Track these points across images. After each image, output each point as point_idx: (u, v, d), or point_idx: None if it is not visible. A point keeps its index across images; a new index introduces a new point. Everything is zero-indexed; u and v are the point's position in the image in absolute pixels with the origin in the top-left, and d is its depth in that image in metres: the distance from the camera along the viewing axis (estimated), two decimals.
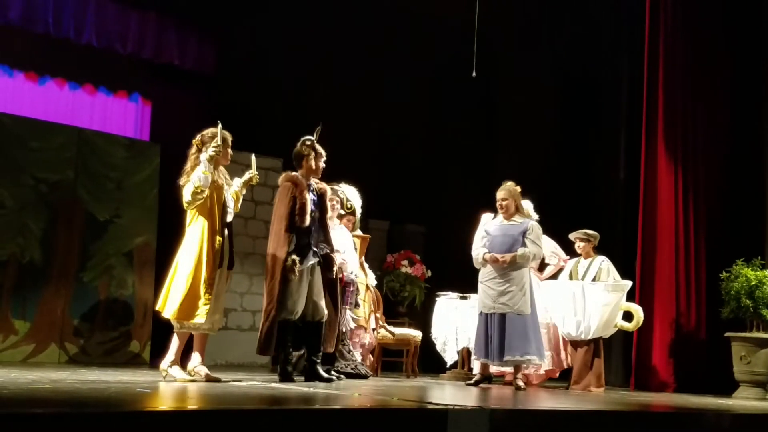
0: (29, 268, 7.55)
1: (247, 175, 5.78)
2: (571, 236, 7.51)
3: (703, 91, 8.18)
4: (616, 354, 8.38)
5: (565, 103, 9.65)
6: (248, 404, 4.05)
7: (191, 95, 8.90)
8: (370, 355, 7.50)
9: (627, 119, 8.73)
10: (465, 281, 7.13)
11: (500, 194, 6.68)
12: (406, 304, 9.43)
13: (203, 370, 5.50)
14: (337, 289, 6.19)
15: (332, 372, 6.16)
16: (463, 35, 7.98)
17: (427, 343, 8.00)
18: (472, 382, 6.71)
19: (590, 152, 9.38)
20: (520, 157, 9.34)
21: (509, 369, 6.82)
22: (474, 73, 7.71)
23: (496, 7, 8.39)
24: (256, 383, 5.55)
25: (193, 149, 5.58)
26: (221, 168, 5.65)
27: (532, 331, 6.47)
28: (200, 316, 5.40)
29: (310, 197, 5.88)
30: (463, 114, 10.14)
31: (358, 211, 7.25)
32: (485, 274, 6.61)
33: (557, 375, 7.58)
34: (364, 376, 6.80)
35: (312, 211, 5.87)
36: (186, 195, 5.46)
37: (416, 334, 7.96)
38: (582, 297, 7.09)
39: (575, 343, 7.25)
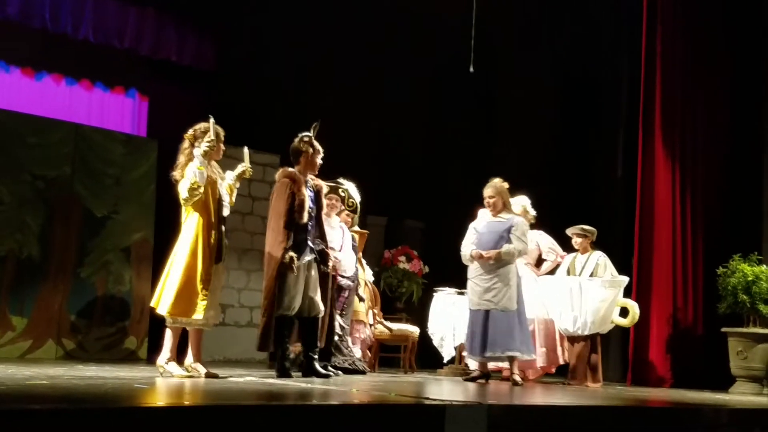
0: (27, 265, 7.54)
1: (240, 168, 5.78)
2: (569, 232, 7.53)
3: (702, 90, 8.18)
4: (614, 349, 8.39)
5: (565, 101, 9.65)
6: (245, 400, 4.05)
7: (188, 91, 8.88)
8: (368, 351, 7.51)
9: (626, 117, 8.72)
10: (463, 277, 7.12)
11: (487, 192, 6.71)
12: (403, 299, 9.43)
13: (200, 367, 5.50)
14: (328, 284, 6.21)
15: (329, 368, 6.17)
16: (464, 33, 7.97)
17: (425, 338, 8.01)
18: (469, 377, 6.72)
19: (589, 149, 9.38)
20: (519, 153, 9.35)
21: (506, 365, 6.83)
22: (471, 68, 7.71)
23: (496, 6, 8.39)
24: (254, 379, 5.56)
25: (186, 144, 5.57)
26: (213, 163, 5.65)
27: (517, 326, 6.48)
28: (198, 312, 5.40)
29: (307, 193, 5.88)
30: (462, 110, 10.12)
31: (357, 208, 7.26)
32: (472, 271, 6.67)
33: (553, 370, 7.59)
34: (362, 372, 6.81)
35: (309, 207, 5.87)
36: (183, 192, 5.46)
37: (414, 330, 7.97)
38: (579, 292, 7.10)
39: (572, 339, 7.26)
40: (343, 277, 6.84)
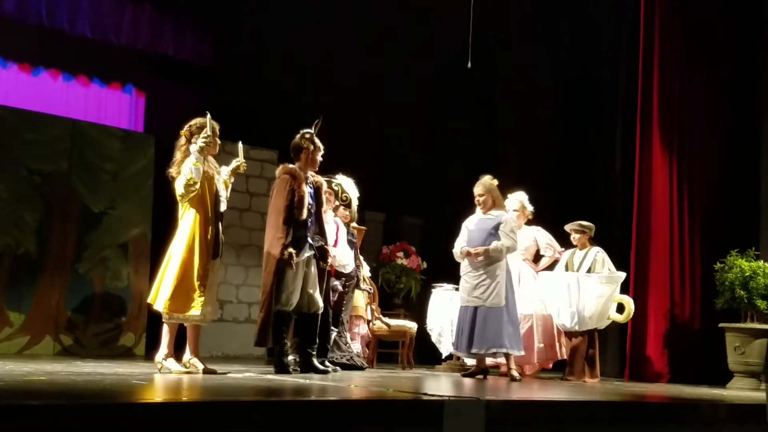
0: (24, 260, 7.54)
1: (234, 164, 5.77)
2: (567, 228, 7.53)
3: (700, 86, 8.19)
4: (611, 345, 8.40)
5: (564, 100, 9.66)
6: (244, 396, 4.05)
7: (185, 87, 8.87)
8: (366, 347, 7.51)
9: (624, 115, 8.72)
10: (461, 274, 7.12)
11: (476, 190, 6.75)
12: (401, 295, 9.43)
13: (198, 363, 5.50)
14: (323, 280, 6.21)
15: (327, 363, 6.17)
16: (464, 33, 7.96)
17: (423, 334, 8.01)
18: (467, 373, 6.73)
19: (588, 146, 9.36)
20: (519, 151, 9.36)
21: (503, 360, 6.84)
22: (469, 64, 7.70)
23: (495, 5, 8.38)
24: (252, 375, 5.56)
25: (182, 140, 5.56)
26: (210, 158, 5.64)
27: (506, 323, 6.49)
28: (194, 308, 5.39)
29: (307, 190, 5.89)
30: (462, 110, 10.12)
31: (355, 203, 7.24)
32: (463, 268, 6.72)
33: (551, 366, 7.60)
34: (360, 368, 6.82)
35: (309, 204, 5.87)
36: (179, 188, 5.45)
37: (412, 326, 7.97)
38: (577, 288, 7.11)
39: (570, 334, 7.27)
40: (340, 273, 6.84)
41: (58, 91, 8.45)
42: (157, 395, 4.01)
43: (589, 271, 7.29)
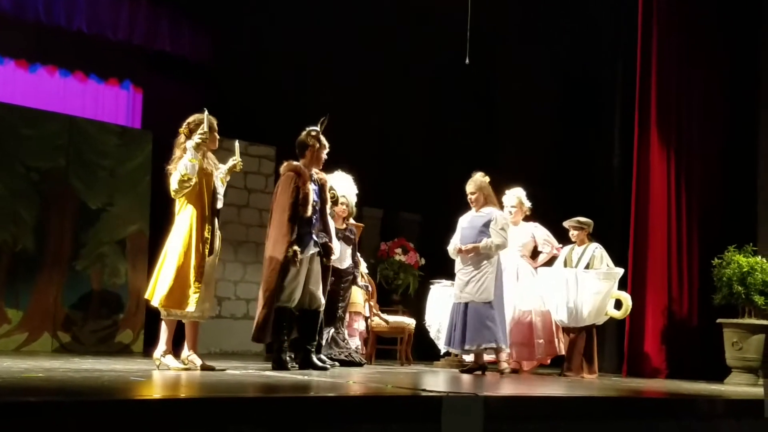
0: (22, 257, 7.53)
1: (231, 162, 5.76)
2: (565, 224, 7.54)
3: (698, 83, 8.19)
4: (609, 340, 8.41)
5: (563, 98, 9.67)
6: (242, 392, 4.05)
7: (183, 83, 8.84)
8: (364, 344, 7.51)
9: (623, 112, 8.72)
10: None
11: (468, 188, 6.80)
12: (399, 292, 9.42)
13: (197, 359, 5.50)
14: (326, 277, 6.21)
15: (325, 359, 6.17)
16: (463, 33, 7.94)
17: (421, 330, 8.01)
18: (466, 369, 6.74)
19: (587, 144, 9.38)
20: (518, 149, 9.36)
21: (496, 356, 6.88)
22: (467, 60, 7.69)
23: (494, 5, 8.37)
24: (250, 371, 5.56)
25: (181, 138, 5.55)
26: (209, 154, 5.63)
27: (495, 318, 6.55)
28: (190, 305, 5.39)
29: (312, 187, 5.88)
30: (460, 102, 10.10)
31: (353, 200, 7.23)
32: (457, 265, 6.80)
33: (548, 362, 7.61)
34: (358, 364, 6.82)
35: (314, 201, 5.87)
36: (173, 183, 5.44)
37: (410, 322, 7.97)
38: (575, 284, 7.13)
39: (568, 330, 7.28)
40: (334, 269, 6.83)
41: (55, 87, 8.42)
42: (155, 392, 4.00)
43: (587, 267, 7.30)
